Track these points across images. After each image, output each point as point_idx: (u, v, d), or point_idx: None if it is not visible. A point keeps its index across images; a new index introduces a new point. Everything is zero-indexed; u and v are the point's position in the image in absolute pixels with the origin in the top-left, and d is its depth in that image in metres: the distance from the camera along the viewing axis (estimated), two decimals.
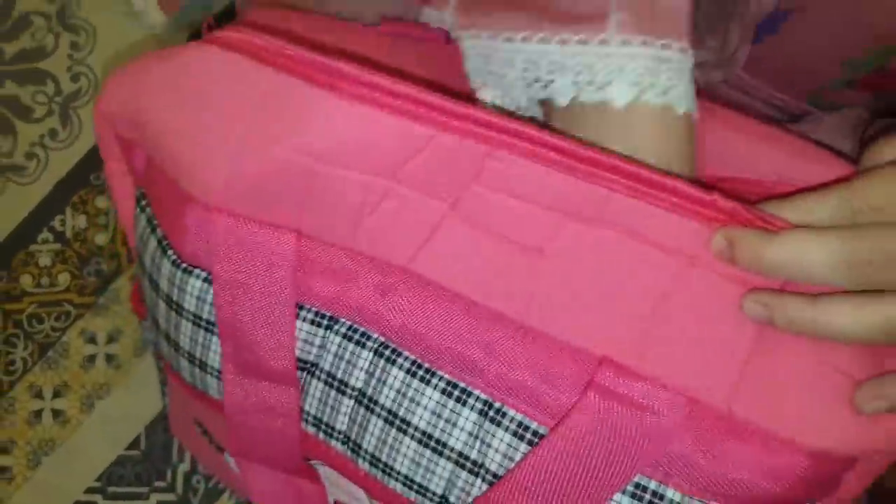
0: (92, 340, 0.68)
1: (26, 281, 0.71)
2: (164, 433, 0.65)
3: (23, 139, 0.74)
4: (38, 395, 0.68)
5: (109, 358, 0.68)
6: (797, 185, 0.33)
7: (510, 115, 0.32)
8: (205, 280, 0.34)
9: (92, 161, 0.72)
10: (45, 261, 0.71)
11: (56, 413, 0.67)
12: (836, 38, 0.38)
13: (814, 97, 0.42)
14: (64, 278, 0.70)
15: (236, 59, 0.32)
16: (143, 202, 0.37)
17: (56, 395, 0.68)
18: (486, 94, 0.34)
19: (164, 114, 0.33)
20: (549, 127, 0.32)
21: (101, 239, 0.70)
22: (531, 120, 0.33)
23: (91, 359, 0.68)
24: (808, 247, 0.27)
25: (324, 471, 0.38)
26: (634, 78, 0.30)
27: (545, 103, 0.33)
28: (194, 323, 0.35)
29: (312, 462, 0.38)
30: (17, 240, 0.72)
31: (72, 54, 0.75)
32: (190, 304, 0.35)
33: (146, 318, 0.44)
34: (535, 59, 0.31)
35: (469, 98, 0.34)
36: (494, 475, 0.31)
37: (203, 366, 0.36)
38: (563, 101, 0.31)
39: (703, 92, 0.41)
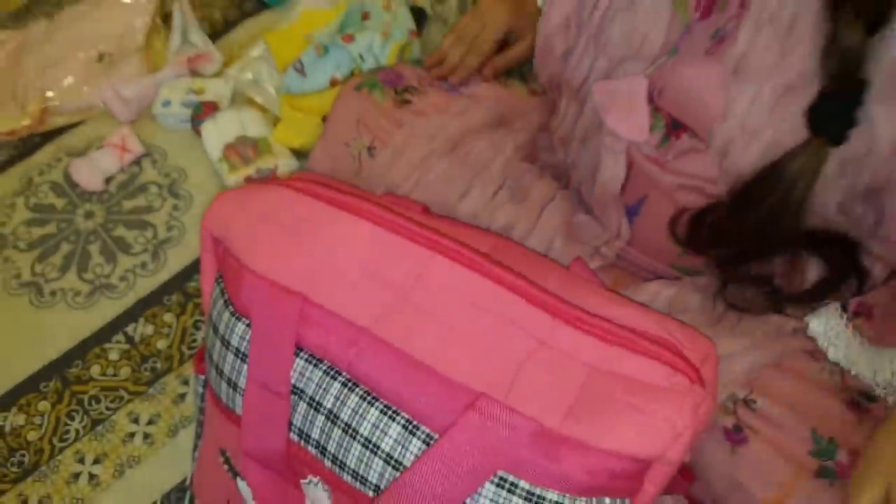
0: (135, 421, 0.86)
1: (95, 370, 0.90)
2: (176, 502, 0.80)
3: (120, 267, 0.97)
4: (81, 460, 0.84)
5: (146, 436, 0.85)
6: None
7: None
8: (247, 325, 0.54)
9: (168, 287, 0.95)
10: (113, 356, 0.91)
11: (91, 476, 0.83)
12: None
13: (674, 263, 0.62)
14: (125, 371, 0.90)
15: (285, 191, 0.55)
16: (220, 279, 0.58)
17: (95, 461, 0.84)
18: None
19: (240, 221, 0.56)
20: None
21: (161, 344, 0.91)
22: None
23: (131, 435, 0.85)
24: None
25: (307, 489, 0.55)
26: None
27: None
28: (234, 354, 0.55)
29: (299, 479, 0.54)
30: (96, 338, 0.92)
31: (171, 213, 1.01)
32: (234, 340, 0.55)
33: (204, 373, 0.63)
34: None
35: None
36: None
37: (235, 386, 0.55)
38: None
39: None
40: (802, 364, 0.56)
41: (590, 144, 0.62)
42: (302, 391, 0.53)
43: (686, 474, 0.54)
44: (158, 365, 0.89)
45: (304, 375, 0.52)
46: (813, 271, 0.55)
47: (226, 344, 0.56)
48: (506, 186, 0.70)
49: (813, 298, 0.56)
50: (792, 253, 0.53)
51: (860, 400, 0.54)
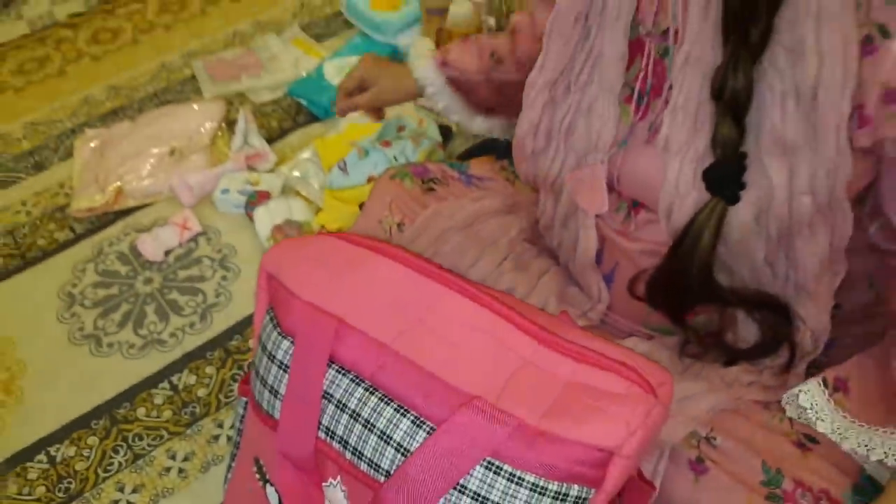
0: (172, 457, 0.97)
1: (141, 411, 1.02)
2: None
3: (171, 325, 1.11)
4: (121, 489, 0.94)
5: (181, 471, 0.95)
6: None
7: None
8: (291, 342, 0.67)
9: (212, 344, 1.08)
10: (158, 400, 1.03)
11: None
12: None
13: (645, 322, 0.74)
14: (167, 414, 1.01)
15: (330, 238, 0.70)
16: (270, 310, 0.72)
17: (133, 490, 0.94)
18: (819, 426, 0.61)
19: (292, 260, 0.70)
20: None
21: (201, 392, 1.03)
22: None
23: (167, 469, 0.95)
24: None
25: (328, 490, 0.65)
26: None
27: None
28: (278, 366, 0.67)
29: (322, 482, 0.65)
30: (144, 385, 1.05)
31: (220, 282, 1.16)
32: (279, 355, 0.67)
33: (247, 395, 0.75)
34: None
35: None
36: None
37: (276, 394, 0.67)
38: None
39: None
40: (756, 412, 0.66)
41: (569, 225, 0.76)
42: (331, 396, 0.64)
43: (648, 485, 0.64)
44: (197, 410, 1.01)
45: (333, 383, 0.64)
46: (749, 330, 0.66)
47: (272, 358, 0.68)
48: (509, 258, 0.84)
49: (752, 357, 0.67)
50: (721, 306, 0.64)
51: (805, 441, 0.63)
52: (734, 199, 0.56)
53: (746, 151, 0.55)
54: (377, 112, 1.01)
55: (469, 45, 0.93)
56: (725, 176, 0.56)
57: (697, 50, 0.57)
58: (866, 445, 0.60)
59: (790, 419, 0.64)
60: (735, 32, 0.53)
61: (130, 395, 1.03)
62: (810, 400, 0.62)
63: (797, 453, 0.62)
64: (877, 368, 0.63)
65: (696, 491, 0.64)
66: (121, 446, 0.98)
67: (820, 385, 0.62)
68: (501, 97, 0.94)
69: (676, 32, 0.60)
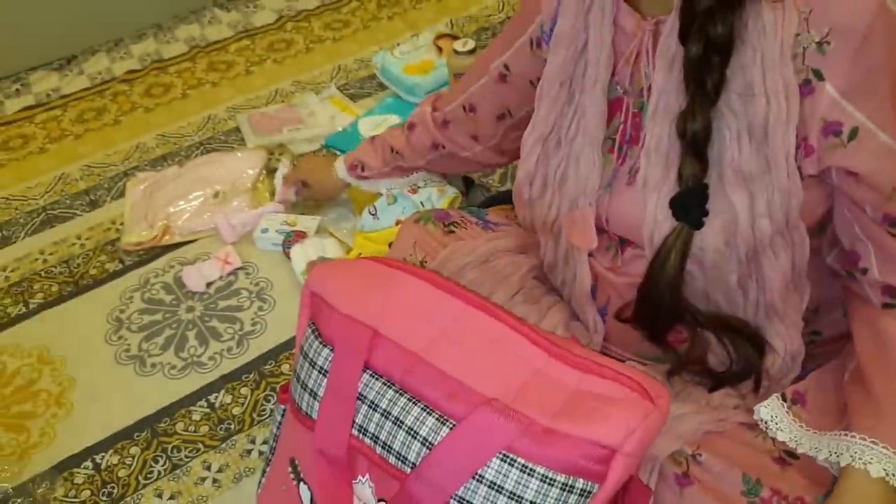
0: (207, 468, 1.04)
1: (180, 426, 1.10)
2: None
3: (210, 349, 1.20)
4: (160, 496, 1.02)
5: (215, 481, 1.03)
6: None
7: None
8: (330, 350, 0.76)
9: (248, 368, 1.17)
10: (196, 417, 1.11)
11: None
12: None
13: (638, 351, 0.82)
14: (204, 429, 1.09)
15: (366, 261, 0.79)
16: (312, 324, 0.81)
17: (171, 497, 1.02)
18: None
19: (334, 278, 0.79)
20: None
21: (236, 411, 1.11)
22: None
23: (203, 479, 1.03)
24: None
25: (357, 487, 0.73)
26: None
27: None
28: (318, 371, 0.76)
29: (352, 480, 0.73)
30: (183, 402, 1.13)
31: (256, 312, 1.26)
32: (320, 361, 0.76)
33: (286, 402, 0.83)
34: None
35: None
36: None
37: (315, 395, 0.76)
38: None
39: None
40: (741, 432, 0.72)
41: (569, 263, 0.83)
42: (364, 397, 0.73)
43: (646, 488, 0.71)
44: (232, 426, 1.09)
45: (367, 386, 0.73)
46: (720, 356, 0.73)
47: (312, 364, 0.77)
48: (521, 293, 0.91)
49: (727, 382, 0.73)
50: (693, 327, 0.70)
51: (785, 457, 0.69)
52: (698, 224, 0.64)
53: (709, 184, 0.64)
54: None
55: (374, 145, 1.20)
56: (688, 203, 0.64)
57: (664, 100, 0.65)
58: (816, 448, 0.66)
59: (773, 440, 0.69)
60: (694, 82, 0.62)
61: (171, 412, 1.12)
62: (770, 412, 0.68)
63: (777, 468, 0.68)
64: (832, 382, 0.69)
65: (681, 502, 0.70)
66: (160, 456, 1.06)
67: (779, 399, 0.69)
68: (408, 174, 1.20)
69: (649, 88, 0.67)
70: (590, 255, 0.79)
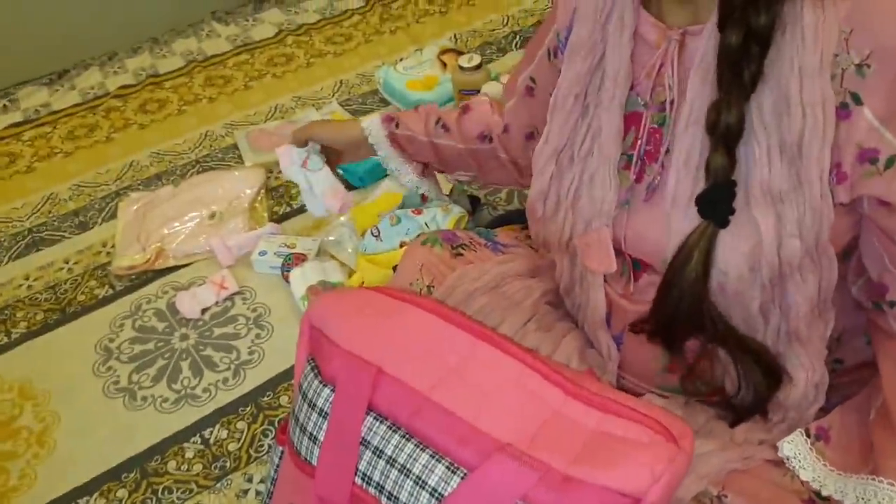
0: None
1: (171, 465, 1.03)
2: None
3: (205, 380, 1.14)
4: None
5: None
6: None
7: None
8: (331, 390, 0.70)
9: (244, 400, 1.10)
10: (189, 454, 1.04)
11: None
12: (647, 342, 0.73)
13: (656, 382, 0.76)
14: (197, 467, 1.02)
15: (369, 292, 0.73)
16: (311, 359, 0.75)
17: None
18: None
19: (335, 311, 0.73)
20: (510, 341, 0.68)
21: (232, 447, 1.04)
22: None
23: None
24: None
25: None
26: None
27: None
28: (318, 413, 0.69)
29: None
30: (176, 439, 1.06)
31: (254, 340, 1.19)
32: (320, 402, 0.70)
33: (284, 444, 0.77)
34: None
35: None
36: None
37: (315, 440, 0.69)
38: None
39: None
40: (767, 470, 0.67)
41: (584, 286, 0.80)
42: (368, 442, 0.66)
43: None
44: (227, 464, 1.02)
45: (371, 430, 0.66)
46: (733, 380, 0.69)
47: (312, 406, 0.70)
48: (533, 320, 0.87)
49: (744, 414, 0.70)
50: (710, 339, 0.66)
51: (815, 498, 0.64)
52: (724, 222, 0.61)
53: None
54: (333, 158, 1.10)
55: (418, 111, 1.05)
56: (716, 199, 0.61)
57: (697, 111, 0.62)
58: (842, 491, 0.62)
59: (801, 479, 0.65)
60: (730, 72, 0.58)
61: (162, 449, 1.05)
62: (794, 449, 0.65)
63: None
64: (858, 418, 0.65)
65: None
66: (150, 499, 0.99)
67: (802, 435, 0.65)
68: (438, 157, 1.05)
69: (672, 102, 0.65)
70: (605, 280, 0.76)
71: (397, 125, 1.05)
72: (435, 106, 1.07)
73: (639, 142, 0.69)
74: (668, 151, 0.66)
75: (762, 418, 0.71)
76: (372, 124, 1.05)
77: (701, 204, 0.62)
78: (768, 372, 0.68)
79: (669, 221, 0.65)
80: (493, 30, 1.90)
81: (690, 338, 0.68)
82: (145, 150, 1.62)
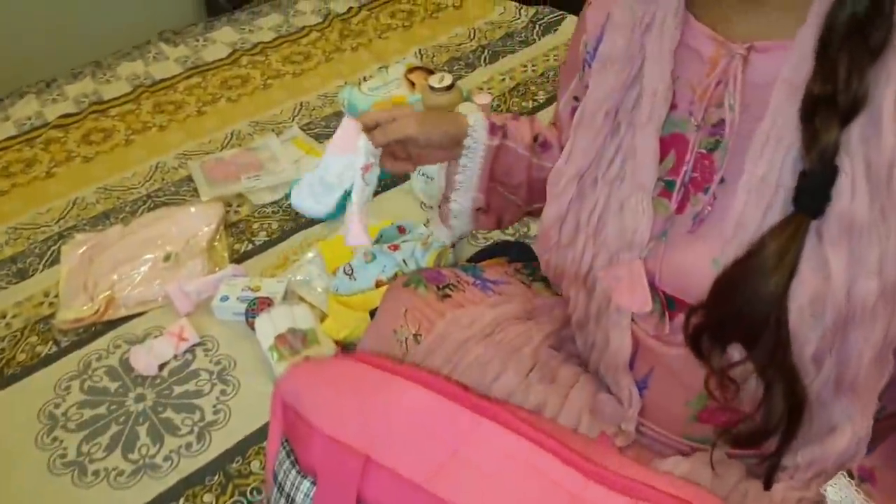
0: None
1: None
2: None
3: (165, 447, 1.02)
4: None
5: None
6: None
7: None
8: (312, 483, 0.59)
9: (211, 468, 0.98)
10: None
11: None
12: (679, 387, 0.65)
13: (685, 433, 0.68)
14: None
15: (349, 362, 0.63)
16: (285, 442, 0.64)
17: None
18: None
19: (310, 386, 0.63)
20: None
21: None
22: None
23: None
24: None
25: None
26: None
27: None
28: None
29: None
30: None
31: (219, 397, 1.08)
32: (299, 497, 0.59)
33: None
34: None
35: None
36: None
37: None
38: None
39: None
40: None
41: (602, 322, 0.71)
42: None
43: None
44: None
45: None
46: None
47: (290, 501, 0.60)
48: (536, 369, 0.78)
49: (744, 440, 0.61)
50: (753, 358, 0.58)
51: None
52: (818, 213, 0.54)
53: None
54: (403, 162, 0.85)
55: (521, 120, 0.86)
56: (816, 186, 0.54)
57: (777, 131, 0.56)
58: None
59: None
60: (857, 34, 0.52)
61: None
62: (839, 493, 0.62)
63: None
64: None
65: None
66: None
67: (846, 477, 0.62)
68: (529, 180, 0.86)
69: (732, 123, 0.59)
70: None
71: (505, 133, 0.84)
72: (532, 117, 0.88)
73: (684, 168, 0.62)
74: (722, 180, 0.60)
75: (769, 475, 0.63)
76: (478, 122, 0.82)
77: (799, 192, 0.54)
78: (793, 408, 0.59)
79: (725, 255, 0.57)
80: (460, 44, 1.81)
81: (735, 340, 0.60)
82: (90, 186, 1.49)
